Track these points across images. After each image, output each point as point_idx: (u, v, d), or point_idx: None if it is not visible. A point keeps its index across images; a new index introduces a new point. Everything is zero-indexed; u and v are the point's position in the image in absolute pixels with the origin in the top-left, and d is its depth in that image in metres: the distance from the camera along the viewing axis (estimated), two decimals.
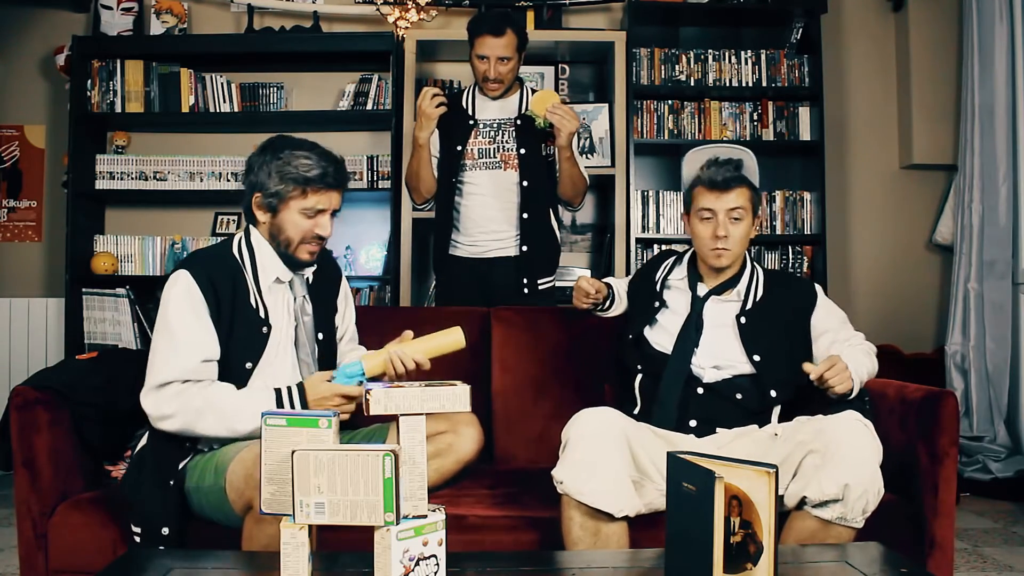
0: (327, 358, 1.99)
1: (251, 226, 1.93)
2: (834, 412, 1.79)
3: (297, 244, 1.88)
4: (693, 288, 2.07)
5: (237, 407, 1.75)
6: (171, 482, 1.75)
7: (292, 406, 1.78)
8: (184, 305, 1.78)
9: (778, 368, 1.96)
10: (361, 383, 1.79)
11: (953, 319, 3.70)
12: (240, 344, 1.82)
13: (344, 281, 2.12)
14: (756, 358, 1.97)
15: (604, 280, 2.24)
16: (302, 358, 1.93)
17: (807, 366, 1.84)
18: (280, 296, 1.92)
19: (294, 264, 1.92)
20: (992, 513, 3.14)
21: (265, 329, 1.86)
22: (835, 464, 1.64)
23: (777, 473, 1.20)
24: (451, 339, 1.85)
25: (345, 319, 2.10)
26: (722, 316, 2.04)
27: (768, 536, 1.19)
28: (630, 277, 2.31)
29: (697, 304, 2.04)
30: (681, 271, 2.13)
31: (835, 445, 1.67)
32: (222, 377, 1.81)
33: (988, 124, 3.62)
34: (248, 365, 1.83)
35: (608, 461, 1.67)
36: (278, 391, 1.79)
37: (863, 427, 1.72)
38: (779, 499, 1.17)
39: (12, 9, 4.07)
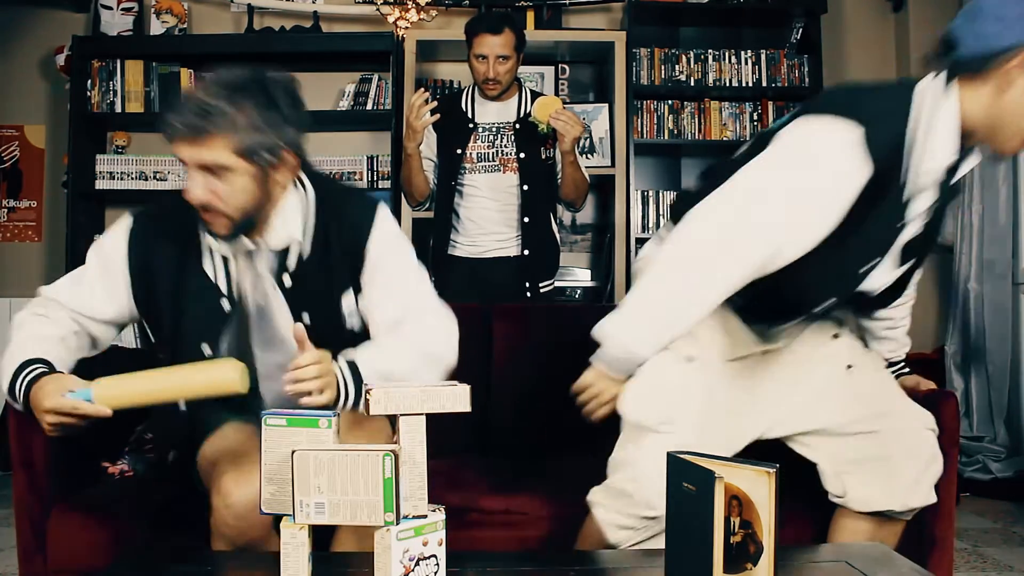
0: (323, 346, 1.43)
1: None
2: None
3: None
4: None
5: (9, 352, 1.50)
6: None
7: (12, 390, 1.47)
8: (101, 256, 1.58)
9: None
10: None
11: (953, 319, 3.70)
12: (193, 321, 1.54)
13: (372, 253, 1.56)
14: None
15: None
16: (259, 341, 1.59)
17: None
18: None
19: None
20: (992, 513, 3.14)
21: (225, 303, 1.54)
22: (894, 481, 1.60)
23: (777, 473, 1.20)
24: (207, 376, 1.41)
25: (372, 301, 1.58)
26: None
27: (768, 536, 1.18)
28: None
29: None
30: None
31: (898, 458, 1.62)
32: (175, 361, 1.52)
33: None
34: (204, 347, 1.53)
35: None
36: (21, 366, 1.46)
37: (933, 439, 1.66)
38: (781, 497, 1.17)
39: (12, 9, 4.08)
